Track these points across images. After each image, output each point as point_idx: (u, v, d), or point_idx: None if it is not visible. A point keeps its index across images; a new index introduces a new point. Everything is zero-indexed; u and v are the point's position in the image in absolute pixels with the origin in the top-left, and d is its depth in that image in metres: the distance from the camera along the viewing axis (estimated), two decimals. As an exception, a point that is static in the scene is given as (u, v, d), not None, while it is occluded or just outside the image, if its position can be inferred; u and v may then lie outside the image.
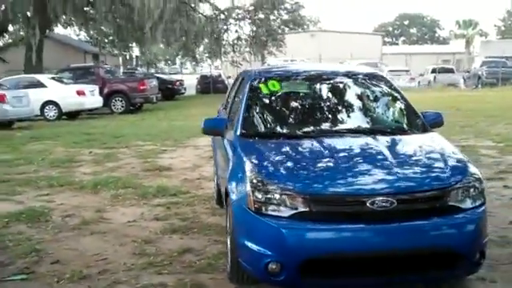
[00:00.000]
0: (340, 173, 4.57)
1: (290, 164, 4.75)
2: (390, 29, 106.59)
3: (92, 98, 23.12)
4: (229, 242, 4.94)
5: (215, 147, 7.34)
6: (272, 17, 46.09)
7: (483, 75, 38.05)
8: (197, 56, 46.66)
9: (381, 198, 4.23)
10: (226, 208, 5.15)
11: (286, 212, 4.29)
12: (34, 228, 6.83)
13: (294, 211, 4.28)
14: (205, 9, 37.52)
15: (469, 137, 13.40)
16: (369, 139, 5.18)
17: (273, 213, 4.32)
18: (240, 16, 41.18)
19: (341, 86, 6.19)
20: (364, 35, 68.78)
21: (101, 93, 24.18)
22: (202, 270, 5.32)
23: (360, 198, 4.28)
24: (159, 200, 8.00)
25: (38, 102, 21.04)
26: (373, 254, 4.27)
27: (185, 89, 38.01)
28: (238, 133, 5.41)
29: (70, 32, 46.17)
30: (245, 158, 4.84)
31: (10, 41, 43.56)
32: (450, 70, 43.19)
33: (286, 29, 53.59)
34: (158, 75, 36.61)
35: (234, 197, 4.70)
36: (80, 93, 22.35)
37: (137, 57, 67.58)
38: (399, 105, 5.99)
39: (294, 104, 6.01)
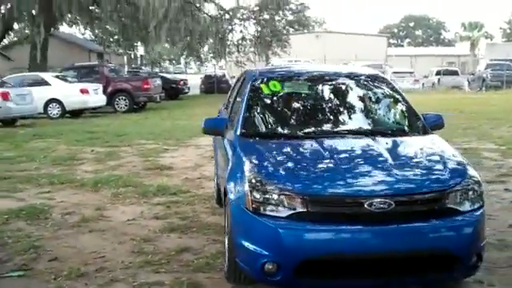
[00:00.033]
0: (338, 174, 4.57)
1: (288, 164, 4.74)
2: (396, 30, 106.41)
3: (96, 97, 23.15)
4: (226, 242, 4.94)
5: (216, 147, 7.35)
6: (277, 17, 46.16)
7: (488, 78, 37.96)
8: (201, 56, 46.64)
9: (379, 200, 4.22)
10: (225, 208, 5.16)
11: (283, 212, 4.29)
12: (33, 225, 6.84)
13: (292, 211, 4.28)
14: (210, 9, 37.64)
15: (471, 139, 13.37)
16: (368, 141, 5.17)
17: (270, 213, 4.32)
18: (245, 16, 41.22)
19: (341, 87, 6.18)
20: (369, 37, 68.78)
21: (104, 91, 24.19)
22: (199, 269, 5.32)
23: (358, 199, 4.27)
24: (159, 199, 8.01)
25: (41, 100, 21.08)
26: (370, 256, 4.26)
27: (188, 88, 38.03)
28: (238, 133, 5.41)
29: (75, 31, 46.34)
30: (244, 158, 4.84)
31: (16, 39, 43.78)
32: (455, 73, 43.13)
33: (291, 29, 53.58)
34: (161, 74, 36.63)
35: (232, 196, 4.70)
36: (84, 91, 22.38)
37: (141, 56, 67.69)
38: (400, 106, 5.98)
39: (294, 104, 5.99)
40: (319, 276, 4.31)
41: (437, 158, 4.89)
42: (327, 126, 5.64)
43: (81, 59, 38.68)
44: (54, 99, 22.05)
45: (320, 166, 4.73)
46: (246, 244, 4.40)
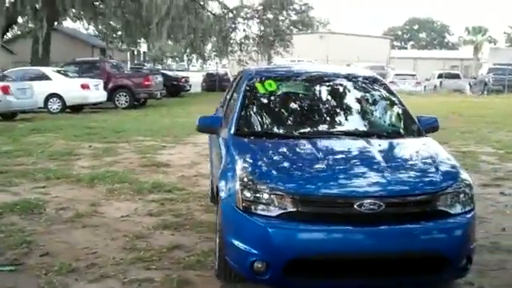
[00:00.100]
0: (329, 174, 4.59)
1: (280, 164, 4.76)
2: (400, 33, 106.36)
3: (96, 92, 23.13)
4: (217, 240, 4.94)
5: (211, 145, 7.35)
6: (281, 17, 46.12)
7: (490, 82, 37.92)
8: (204, 54, 46.61)
9: (368, 201, 4.23)
10: (217, 206, 5.16)
11: (273, 212, 4.30)
12: (27, 220, 6.84)
13: (282, 211, 4.28)
14: (213, 7, 37.68)
15: (469, 143, 13.37)
16: (362, 142, 5.17)
17: (260, 212, 4.33)
18: (248, 15, 41.19)
19: (337, 88, 6.18)
20: (373, 38, 68.69)
21: (105, 87, 24.18)
22: (190, 266, 5.32)
23: (347, 200, 4.28)
24: (154, 196, 8.01)
25: (42, 94, 21.06)
26: (359, 256, 4.27)
27: (190, 86, 38.05)
28: (232, 131, 5.41)
29: (79, 26, 46.30)
30: (236, 157, 4.84)
31: (19, 32, 43.81)
32: (457, 76, 43.11)
33: (295, 29, 53.55)
34: (163, 71, 36.62)
35: (223, 195, 4.71)
36: (84, 86, 22.35)
37: (144, 53, 67.71)
38: (394, 109, 5.97)
39: (289, 104, 5.98)
40: (308, 275, 4.31)
41: (429, 160, 4.89)
42: (321, 127, 5.64)
43: (84, 54, 38.74)
44: (54, 94, 22.00)
45: (311, 166, 4.72)
46: (236, 242, 4.40)
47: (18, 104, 18.99)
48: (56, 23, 33.61)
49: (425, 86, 41.38)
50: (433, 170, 4.72)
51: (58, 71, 23.65)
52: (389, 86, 6.42)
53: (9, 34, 39.43)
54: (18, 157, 11.19)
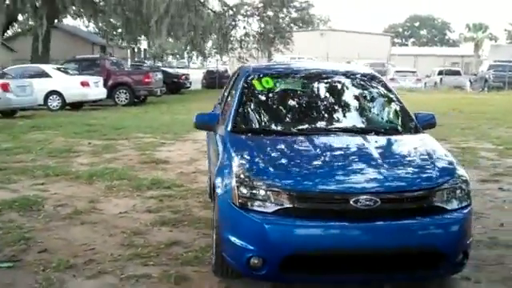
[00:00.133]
0: (326, 171, 4.60)
1: (276, 161, 4.75)
2: (400, 30, 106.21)
3: (96, 90, 23.12)
4: (214, 236, 4.95)
5: (209, 142, 7.35)
6: (281, 14, 46.06)
7: (490, 78, 37.94)
8: (204, 51, 46.58)
9: (364, 197, 4.24)
10: (214, 202, 5.17)
11: (269, 208, 4.30)
12: (25, 216, 6.85)
13: (279, 207, 4.29)
14: (214, 4, 37.60)
15: (469, 139, 13.39)
16: (359, 139, 5.18)
17: (257, 208, 4.34)
18: (248, 12, 41.19)
19: (334, 84, 6.19)
20: (373, 35, 68.52)
21: (105, 84, 24.19)
22: (187, 262, 5.34)
23: (343, 196, 4.29)
24: (153, 192, 8.02)
25: (41, 91, 21.05)
26: (355, 252, 4.27)
27: (190, 83, 38.04)
28: (229, 128, 5.43)
29: (79, 23, 46.24)
30: (233, 154, 4.85)
31: (19, 30, 43.76)
32: (457, 73, 43.11)
33: (295, 27, 53.48)
34: (163, 69, 36.62)
35: (220, 191, 4.71)
36: (84, 84, 22.36)
37: (145, 50, 67.66)
38: (392, 105, 5.98)
39: (286, 101, 6.00)
40: (304, 271, 4.33)
41: (425, 156, 4.90)
42: (318, 124, 5.66)
43: (84, 52, 38.75)
44: (54, 91, 22.01)
45: (307, 162, 4.73)
46: (233, 238, 4.41)
47: (17, 101, 19.00)
48: (56, 21, 33.60)
49: (425, 83, 41.39)
50: (429, 166, 4.72)
51: (58, 68, 23.66)
52: (386, 83, 6.42)
53: (9, 32, 39.35)
54: (18, 154, 11.21)
